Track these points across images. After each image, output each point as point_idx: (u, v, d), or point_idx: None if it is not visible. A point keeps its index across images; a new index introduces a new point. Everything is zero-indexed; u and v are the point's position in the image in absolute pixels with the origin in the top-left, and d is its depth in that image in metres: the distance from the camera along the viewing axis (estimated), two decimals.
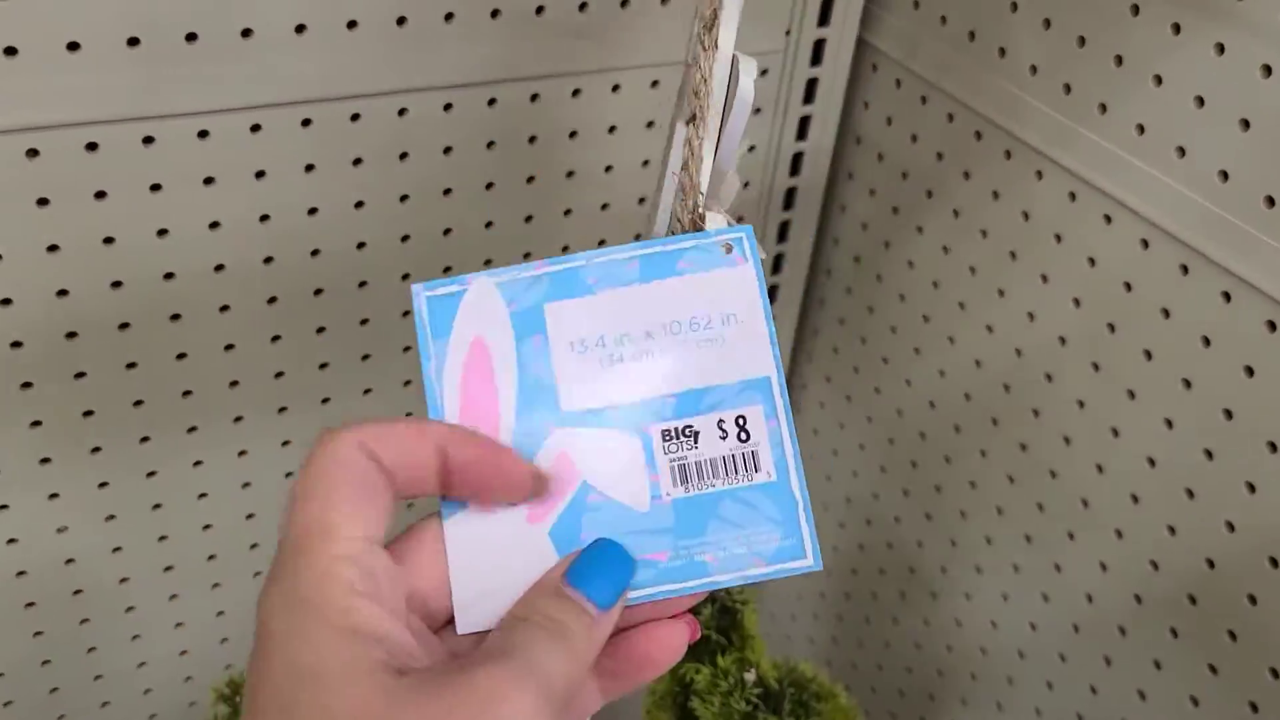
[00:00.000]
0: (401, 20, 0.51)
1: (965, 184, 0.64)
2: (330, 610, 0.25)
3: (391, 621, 0.26)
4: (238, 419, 0.60)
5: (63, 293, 0.50)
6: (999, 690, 0.70)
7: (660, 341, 0.32)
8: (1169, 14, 0.50)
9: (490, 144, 0.56)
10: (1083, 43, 0.55)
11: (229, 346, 0.56)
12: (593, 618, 0.27)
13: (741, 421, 0.31)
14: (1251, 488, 0.52)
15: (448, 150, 0.55)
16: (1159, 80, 0.51)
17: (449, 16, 0.51)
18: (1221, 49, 0.48)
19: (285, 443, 0.62)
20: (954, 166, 0.64)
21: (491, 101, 0.55)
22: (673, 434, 0.31)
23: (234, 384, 0.58)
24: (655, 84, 0.59)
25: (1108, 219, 0.55)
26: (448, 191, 0.56)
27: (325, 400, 0.61)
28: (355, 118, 0.52)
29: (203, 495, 0.62)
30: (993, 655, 0.70)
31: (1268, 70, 0.47)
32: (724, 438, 0.31)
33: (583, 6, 0.55)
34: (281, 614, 0.25)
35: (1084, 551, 0.62)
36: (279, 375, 0.58)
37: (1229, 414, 0.52)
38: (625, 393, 0.31)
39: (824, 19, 0.65)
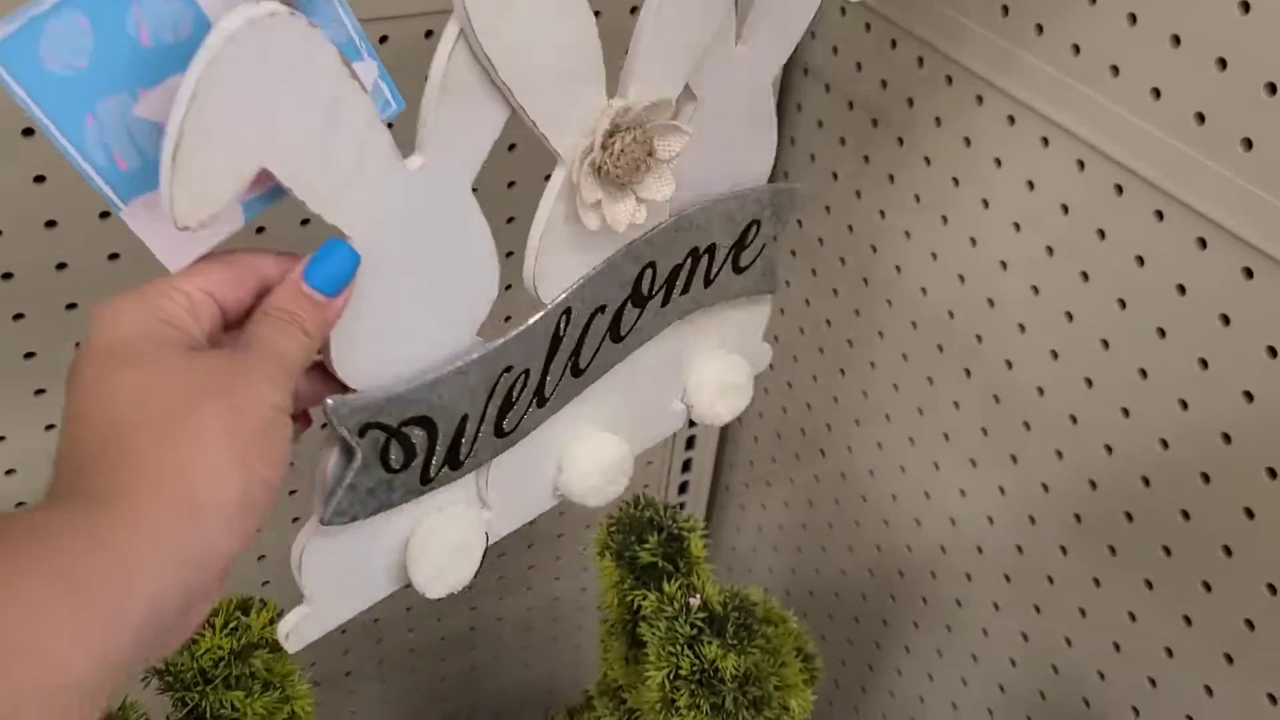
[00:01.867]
0: None
1: (909, 111, 0.63)
2: (147, 301, 0.32)
3: (191, 318, 0.33)
4: None
5: None
6: (950, 613, 0.71)
7: None
8: None
9: None
10: None
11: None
12: (320, 304, 0.34)
13: None
14: (1184, 404, 0.52)
15: None
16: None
17: None
18: None
19: None
20: (898, 94, 0.64)
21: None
22: None
23: None
24: None
25: (1045, 141, 0.55)
26: None
27: None
28: None
29: None
30: (941, 580, 0.71)
31: None
32: None
33: None
34: (97, 325, 0.32)
35: (1026, 473, 0.63)
36: None
37: (1162, 332, 0.53)
38: None
39: None
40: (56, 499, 0.30)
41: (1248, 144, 0.46)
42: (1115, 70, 0.51)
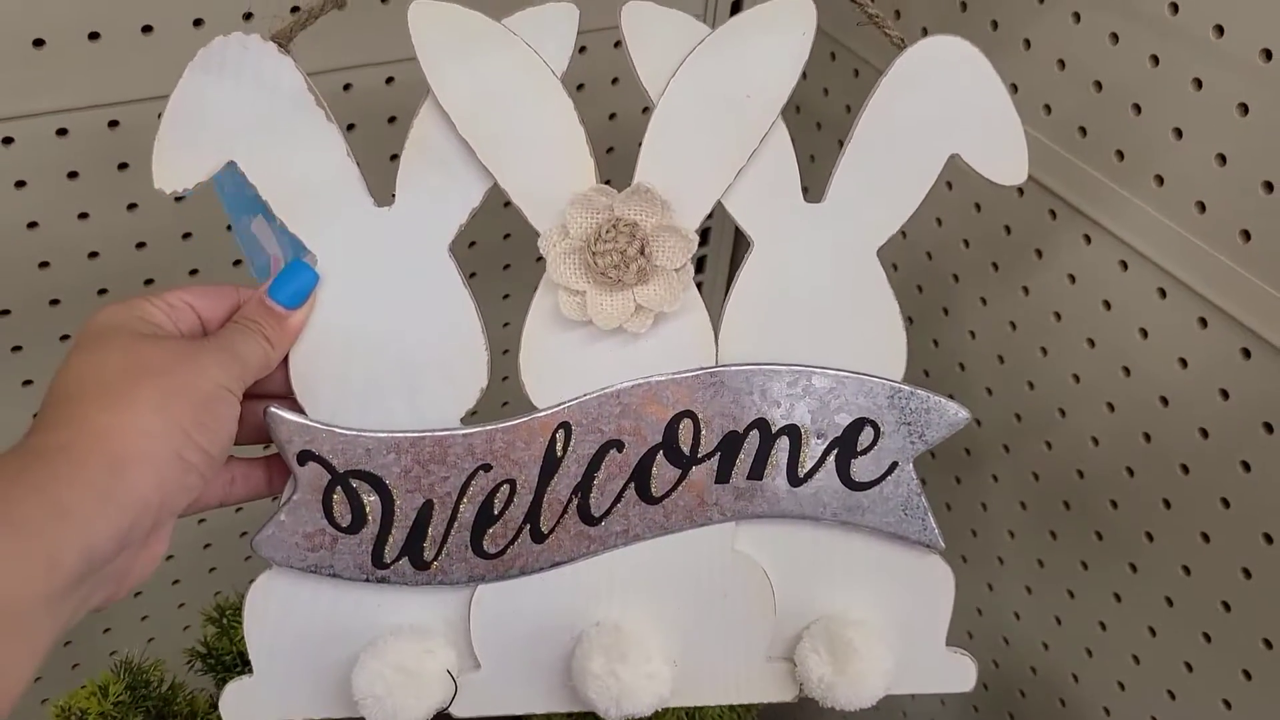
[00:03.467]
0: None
1: None
2: (129, 304, 0.38)
3: (167, 319, 0.38)
4: None
5: None
6: None
7: None
8: None
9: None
10: (964, 8, 0.55)
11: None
12: (280, 315, 0.39)
13: None
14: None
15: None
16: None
17: None
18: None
19: None
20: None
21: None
22: None
23: None
24: None
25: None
26: None
27: None
28: None
29: None
30: None
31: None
32: None
33: None
34: (87, 322, 0.37)
35: None
36: None
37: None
38: None
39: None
40: (9, 453, 0.33)
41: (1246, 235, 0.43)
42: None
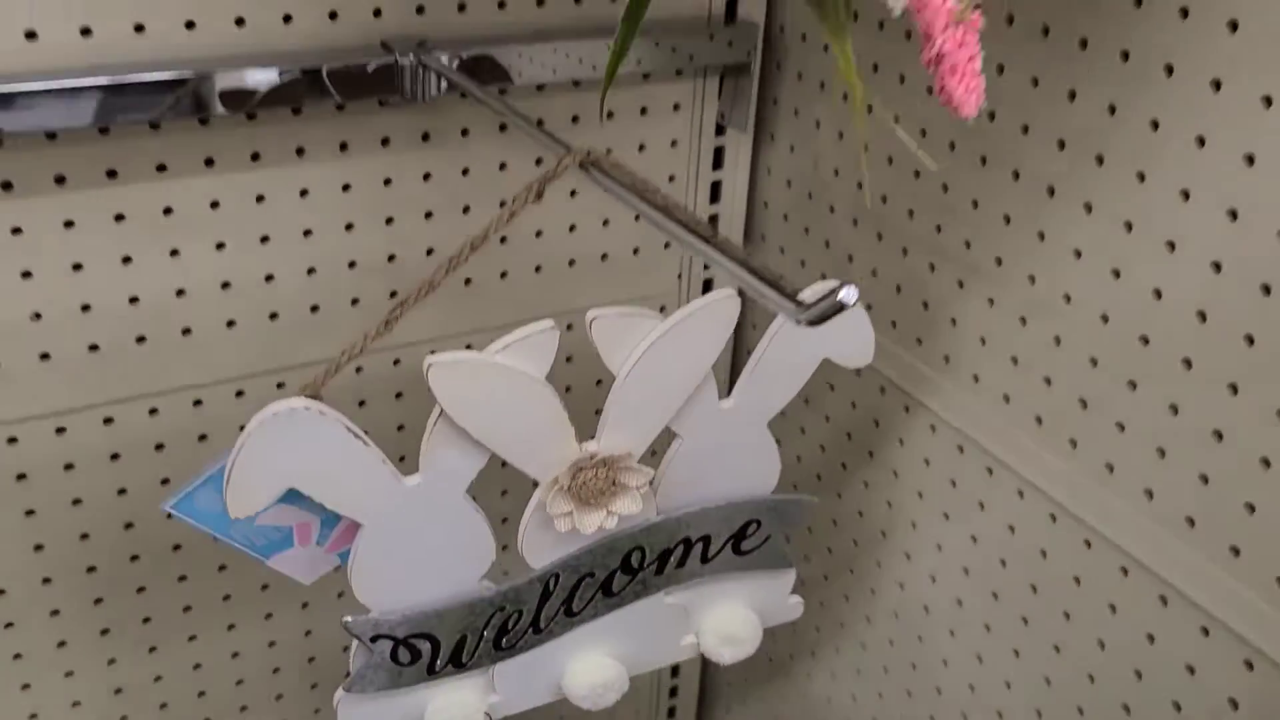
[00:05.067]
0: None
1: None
2: None
3: None
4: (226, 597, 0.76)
5: None
6: None
7: None
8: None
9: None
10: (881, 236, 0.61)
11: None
12: None
13: None
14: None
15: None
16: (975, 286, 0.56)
17: None
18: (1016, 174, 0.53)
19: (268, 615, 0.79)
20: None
21: None
22: None
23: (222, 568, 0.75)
24: None
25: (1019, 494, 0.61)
26: None
27: None
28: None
29: (197, 666, 0.78)
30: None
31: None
32: None
33: None
34: None
35: None
36: None
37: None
38: None
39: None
40: None
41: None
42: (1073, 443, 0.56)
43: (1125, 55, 0.51)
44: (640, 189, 0.47)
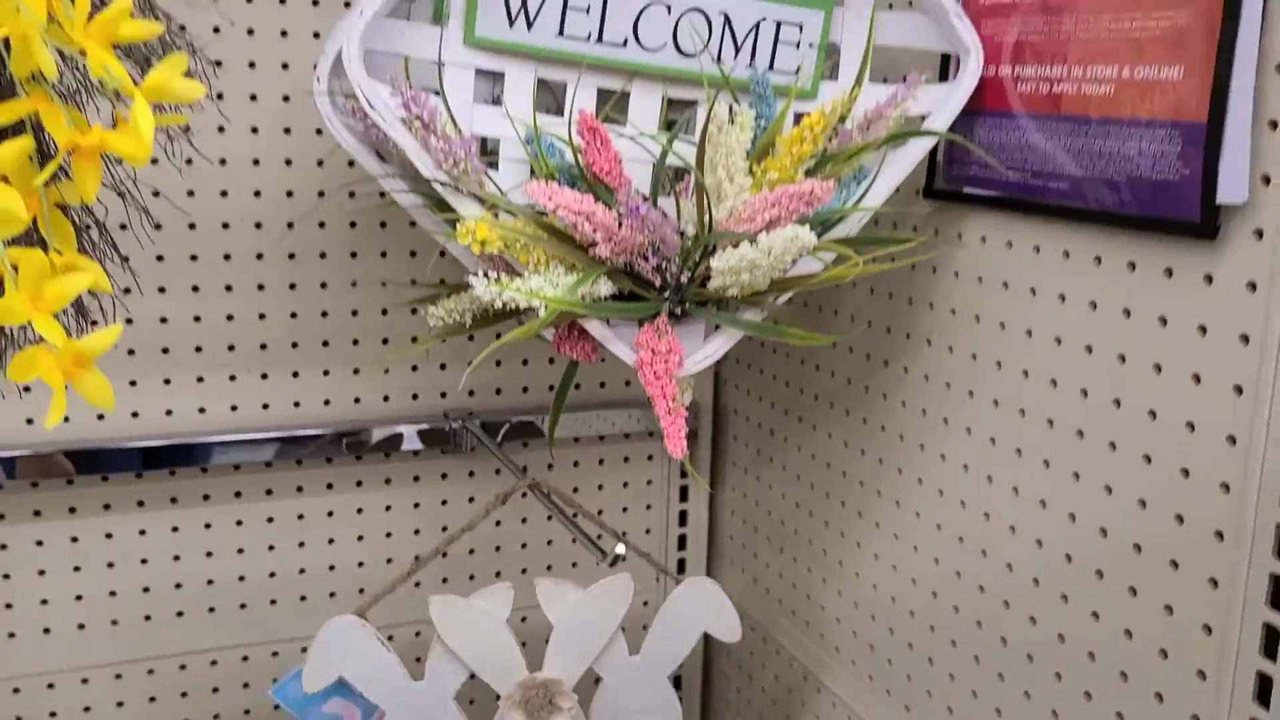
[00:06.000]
0: None
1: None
2: None
3: None
4: None
5: None
6: None
7: None
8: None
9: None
10: (782, 550, 0.86)
11: None
12: None
13: None
14: None
15: None
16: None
17: None
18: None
19: None
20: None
21: None
22: None
23: None
24: None
25: None
26: None
27: None
28: None
29: None
30: None
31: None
32: None
33: None
34: None
35: None
36: None
37: None
38: None
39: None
40: None
41: None
42: None
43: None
44: (564, 505, 0.78)
